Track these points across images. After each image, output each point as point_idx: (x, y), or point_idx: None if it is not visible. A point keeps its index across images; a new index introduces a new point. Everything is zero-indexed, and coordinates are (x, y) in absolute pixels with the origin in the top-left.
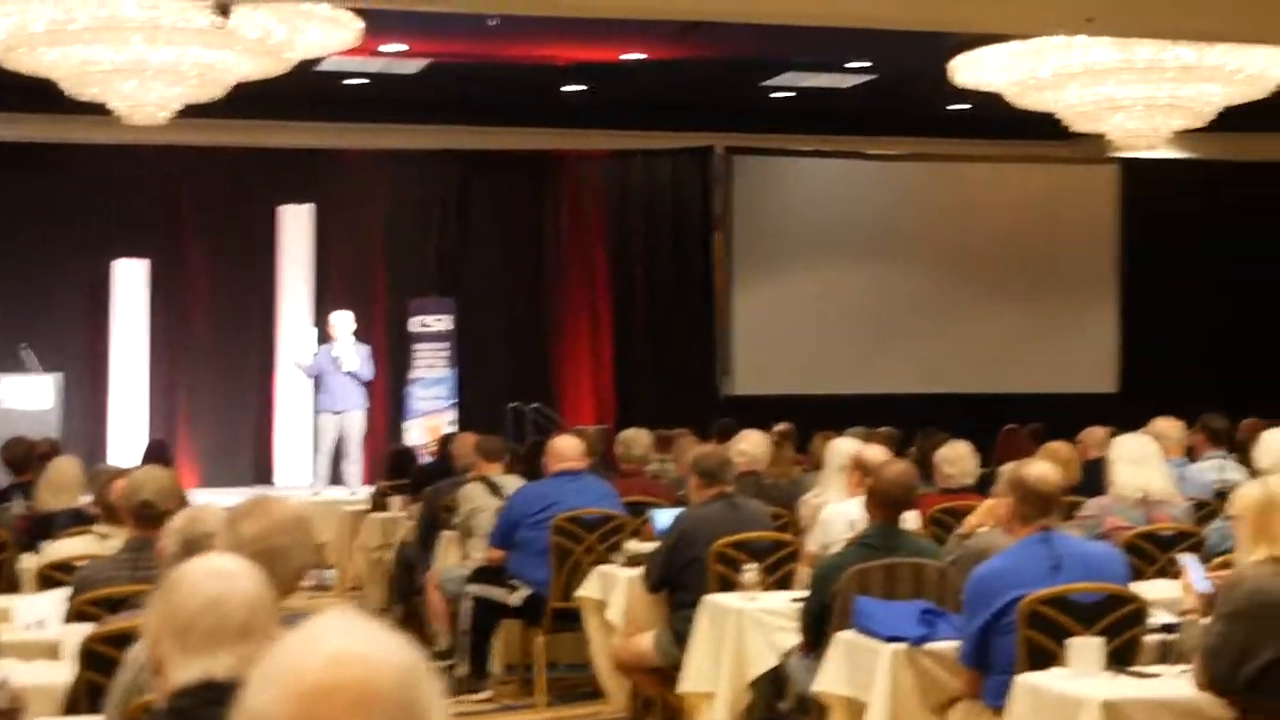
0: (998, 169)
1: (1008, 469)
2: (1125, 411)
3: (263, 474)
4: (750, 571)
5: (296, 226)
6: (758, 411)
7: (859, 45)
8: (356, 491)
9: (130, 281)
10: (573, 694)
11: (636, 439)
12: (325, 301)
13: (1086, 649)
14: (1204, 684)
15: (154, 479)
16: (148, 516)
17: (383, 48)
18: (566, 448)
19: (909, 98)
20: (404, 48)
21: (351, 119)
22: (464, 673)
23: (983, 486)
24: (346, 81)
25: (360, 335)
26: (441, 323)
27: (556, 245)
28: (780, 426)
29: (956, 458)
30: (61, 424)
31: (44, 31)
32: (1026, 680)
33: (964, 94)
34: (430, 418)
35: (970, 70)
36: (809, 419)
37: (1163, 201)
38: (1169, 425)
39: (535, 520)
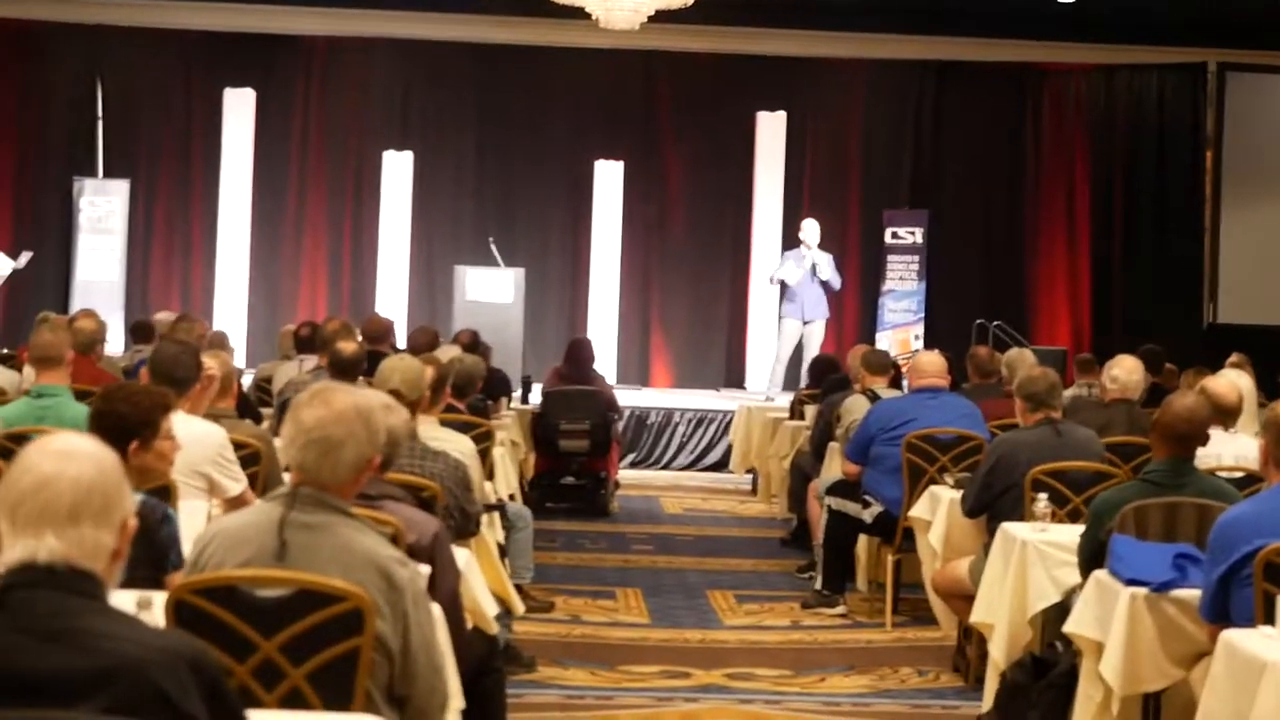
0: None
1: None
2: None
3: (734, 378)
4: (1041, 501)
5: (771, 134)
6: (1244, 341)
7: None
8: None
9: (607, 182)
10: (928, 615)
11: (1021, 358)
12: (796, 210)
13: None
14: None
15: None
16: None
17: None
18: (928, 364)
19: None
20: None
21: (830, 27)
22: (819, 585)
23: None
24: None
25: (833, 245)
26: (914, 235)
27: (1034, 161)
28: (1233, 357)
29: None
30: (524, 318)
31: None
32: (1227, 636)
33: None
34: (900, 330)
35: None
36: None
37: None
38: None
39: (890, 436)
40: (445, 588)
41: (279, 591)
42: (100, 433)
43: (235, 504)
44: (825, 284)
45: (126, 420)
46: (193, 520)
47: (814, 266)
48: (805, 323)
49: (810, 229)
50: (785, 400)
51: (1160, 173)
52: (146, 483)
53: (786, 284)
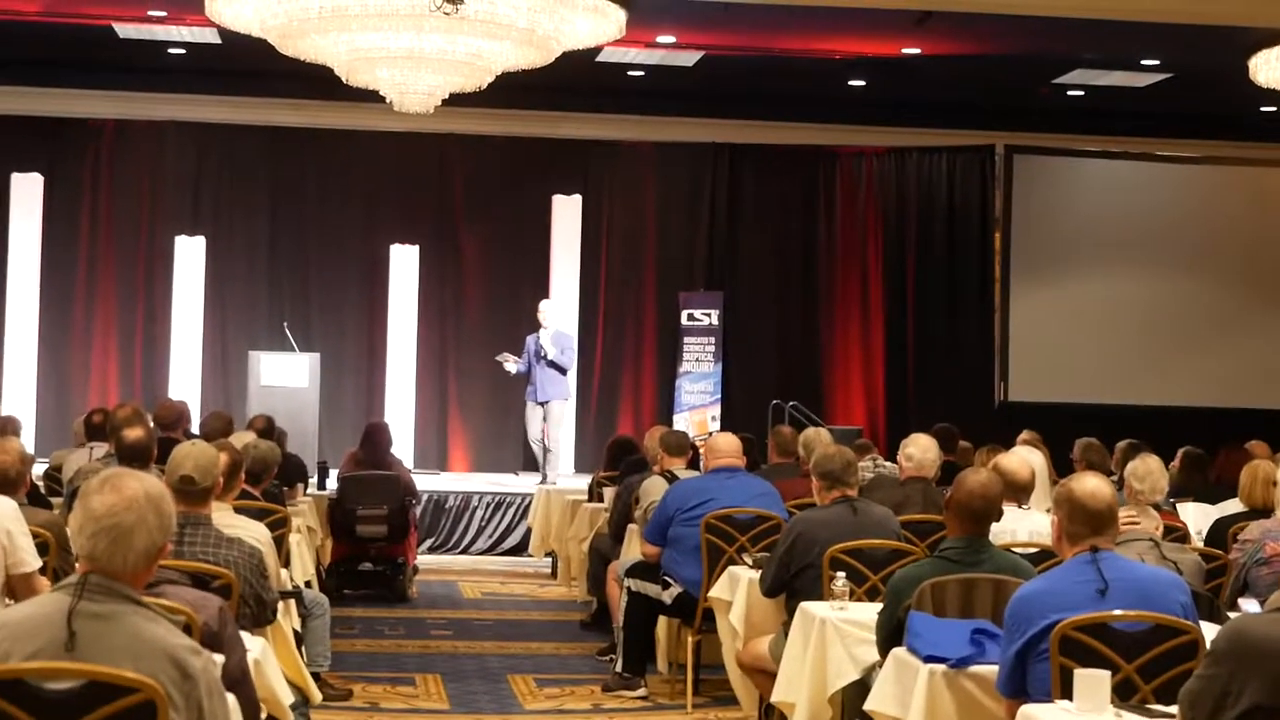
0: None
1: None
2: None
3: (533, 461)
4: (839, 579)
5: (567, 217)
6: (1034, 418)
7: (1153, 41)
8: (556, 482)
9: (403, 266)
10: (729, 696)
11: (817, 438)
12: (594, 293)
13: (1092, 681)
14: None
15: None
16: None
17: (659, 39)
18: (723, 444)
19: (1210, 98)
20: (673, 40)
21: (625, 110)
22: (620, 667)
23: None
24: (629, 74)
25: (630, 327)
26: (710, 317)
27: (827, 243)
28: (1025, 434)
29: (1146, 473)
30: (320, 403)
31: (316, 18)
32: (1025, 710)
33: (1274, 95)
34: (697, 411)
35: (1270, 69)
36: (1087, 429)
37: None
38: None
39: (689, 516)
40: (233, 662)
41: (68, 684)
42: None
43: (28, 585)
44: (554, 364)
45: None
46: None
47: (539, 350)
48: (540, 404)
49: (545, 309)
50: (570, 483)
51: (951, 253)
52: None
53: (519, 369)
